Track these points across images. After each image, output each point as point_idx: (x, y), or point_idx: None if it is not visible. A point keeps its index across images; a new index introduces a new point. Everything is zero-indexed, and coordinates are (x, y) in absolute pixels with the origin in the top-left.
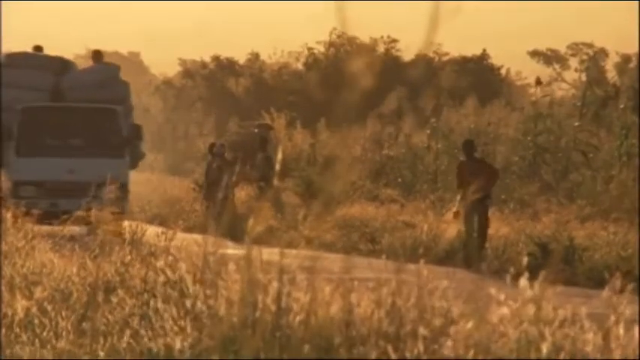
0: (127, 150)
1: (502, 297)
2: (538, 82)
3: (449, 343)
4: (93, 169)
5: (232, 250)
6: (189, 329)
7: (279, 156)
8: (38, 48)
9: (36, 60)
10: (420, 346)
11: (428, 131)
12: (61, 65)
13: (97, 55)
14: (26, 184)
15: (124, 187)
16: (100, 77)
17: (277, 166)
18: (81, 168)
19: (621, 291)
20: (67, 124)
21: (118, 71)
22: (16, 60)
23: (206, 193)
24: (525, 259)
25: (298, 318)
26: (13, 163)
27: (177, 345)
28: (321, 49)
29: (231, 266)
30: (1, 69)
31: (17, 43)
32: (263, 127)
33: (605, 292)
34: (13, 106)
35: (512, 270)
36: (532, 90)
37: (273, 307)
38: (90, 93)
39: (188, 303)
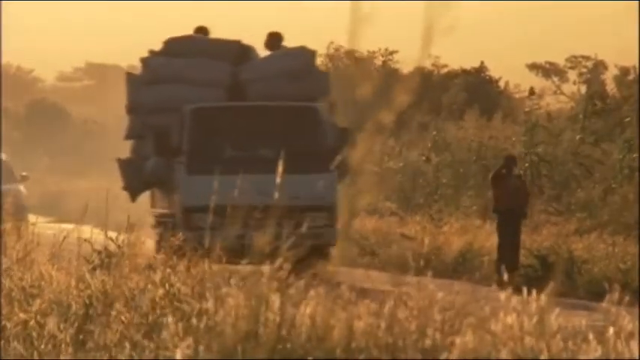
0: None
1: (502, 309)
2: (531, 92)
3: (449, 355)
4: (291, 188)
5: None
6: (189, 342)
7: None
8: (203, 30)
9: (206, 46)
10: (424, 356)
11: (429, 144)
12: (239, 52)
13: (273, 38)
14: (201, 210)
15: (331, 212)
16: (291, 66)
17: None
18: (274, 187)
19: (619, 303)
20: (252, 129)
21: (314, 57)
22: (181, 47)
23: None
24: (522, 271)
25: (300, 330)
26: (182, 183)
27: (178, 357)
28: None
29: (233, 279)
30: (157, 60)
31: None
32: None
33: (604, 305)
34: (179, 107)
35: (511, 282)
36: (530, 102)
37: (275, 320)
38: (279, 87)
39: (188, 315)
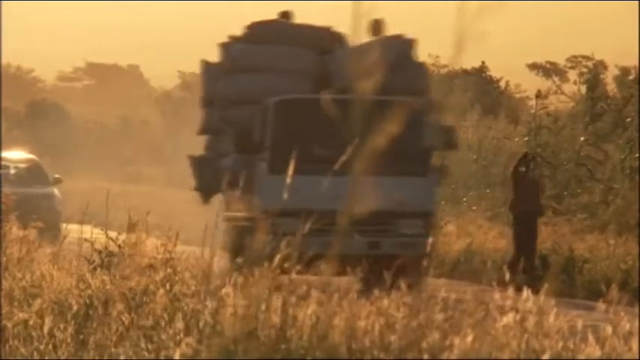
0: (432, 164)
1: (503, 309)
2: (539, 95)
3: (450, 355)
4: (384, 191)
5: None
6: (189, 341)
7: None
8: (287, 15)
9: (292, 32)
10: (425, 357)
11: None
12: (328, 39)
13: (377, 25)
14: (285, 214)
15: (427, 220)
16: (386, 56)
17: None
18: (369, 190)
19: (618, 303)
20: (342, 125)
21: (413, 47)
22: (264, 33)
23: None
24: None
25: (301, 331)
26: (263, 183)
27: (178, 357)
28: None
29: (234, 278)
30: (237, 47)
31: (16, 57)
32: None
33: (602, 304)
34: (262, 99)
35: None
36: (531, 102)
37: (275, 320)
38: (373, 79)
39: (188, 315)
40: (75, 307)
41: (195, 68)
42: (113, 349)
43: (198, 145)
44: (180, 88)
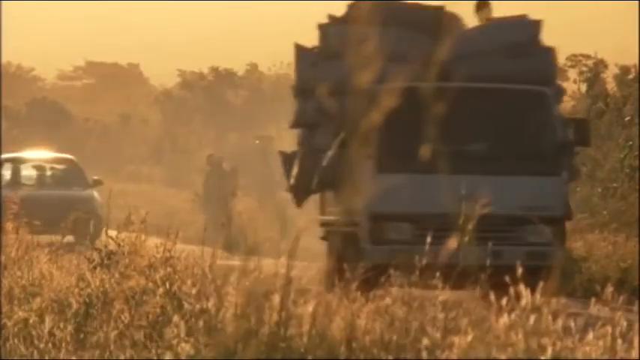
0: (564, 162)
1: (502, 308)
2: None
3: (450, 354)
4: (509, 193)
5: (232, 261)
6: (189, 340)
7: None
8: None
9: (401, 12)
10: (424, 355)
11: None
12: (441, 21)
13: (482, 6)
14: (394, 218)
15: (559, 227)
16: (508, 39)
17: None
18: (491, 191)
19: (617, 302)
20: (461, 117)
21: (539, 29)
22: (367, 13)
23: (205, 203)
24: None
25: (300, 329)
26: (369, 182)
27: (178, 356)
28: None
29: (233, 277)
30: (333, 29)
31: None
32: (264, 138)
33: (598, 303)
34: (366, 87)
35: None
36: None
37: (275, 318)
38: (493, 65)
39: (188, 314)
40: (75, 306)
41: (195, 67)
42: (113, 349)
43: (200, 145)
44: (180, 86)
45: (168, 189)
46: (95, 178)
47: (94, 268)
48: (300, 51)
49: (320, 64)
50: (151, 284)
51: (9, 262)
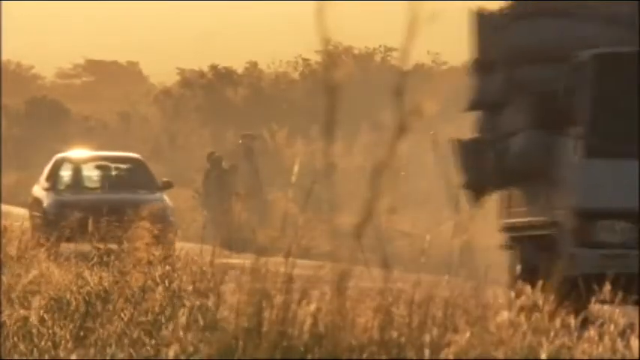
0: None
1: (500, 306)
2: None
3: (448, 352)
4: None
5: (232, 259)
6: (189, 338)
7: (296, 168)
8: None
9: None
10: (425, 353)
11: (432, 132)
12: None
13: None
14: (609, 216)
15: None
16: None
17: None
18: None
19: (611, 300)
20: None
21: None
22: None
23: (205, 202)
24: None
25: (301, 328)
26: (576, 170)
27: (178, 354)
28: (318, 58)
29: (234, 275)
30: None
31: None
32: (247, 137)
33: (595, 301)
34: (569, 54)
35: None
36: None
37: (276, 317)
38: None
39: (188, 312)
40: (74, 304)
41: (195, 65)
42: (113, 347)
43: (199, 143)
44: (179, 85)
45: None
46: (165, 179)
47: (93, 266)
48: (479, 17)
49: (508, 28)
50: (150, 282)
51: (8, 260)
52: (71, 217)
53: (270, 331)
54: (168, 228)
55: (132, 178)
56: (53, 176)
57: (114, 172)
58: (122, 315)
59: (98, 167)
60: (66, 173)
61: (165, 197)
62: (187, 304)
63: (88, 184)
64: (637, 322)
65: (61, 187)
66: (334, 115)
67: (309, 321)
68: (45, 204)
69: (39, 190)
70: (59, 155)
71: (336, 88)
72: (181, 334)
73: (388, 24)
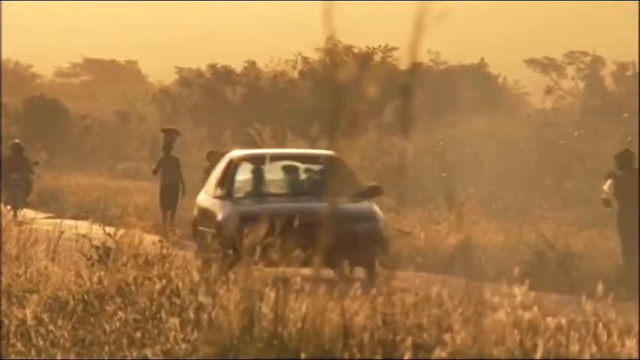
0: None
1: (497, 305)
2: (549, 91)
3: (444, 350)
4: None
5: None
6: (186, 337)
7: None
8: None
9: None
10: (419, 354)
11: (441, 142)
12: None
13: None
14: None
15: None
16: None
17: None
18: None
19: (605, 298)
20: None
21: None
22: None
23: None
24: (516, 269)
25: (296, 326)
26: None
27: (175, 352)
28: (316, 57)
29: (229, 275)
30: None
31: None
32: (168, 131)
33: (588, 300)
34: None
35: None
36: (528, 99)
37: (270, 315)
38: None
39: (185, 311)
40: (72, 303)
41: (193, 64)
42: (112, 345)
43: (198, 142)
44: (178, 83)
45: None
46: (371, 184)
47: (92, 264)
48: None
49: None
50: (146, 281)
51: (7, 259)
52: (258, 233)
53: (264, 329)
54: (384, 248)
55: (329, 182)
56: (229, 180)
57: (305, 175)
58: (120, 314)
59: (284, 168)
60: (243, 177)
61: (375, 207)
62: (183, 302)
63: (273, 189)
64: (633, 320)
65: (240, 195)
66: (339, 115)
67: (301, 319)
68: (220, 217)
69: (207, 198)
70: (234, 154)
71: (341, 87)
72: (179, 333)
73: (388, 24)
